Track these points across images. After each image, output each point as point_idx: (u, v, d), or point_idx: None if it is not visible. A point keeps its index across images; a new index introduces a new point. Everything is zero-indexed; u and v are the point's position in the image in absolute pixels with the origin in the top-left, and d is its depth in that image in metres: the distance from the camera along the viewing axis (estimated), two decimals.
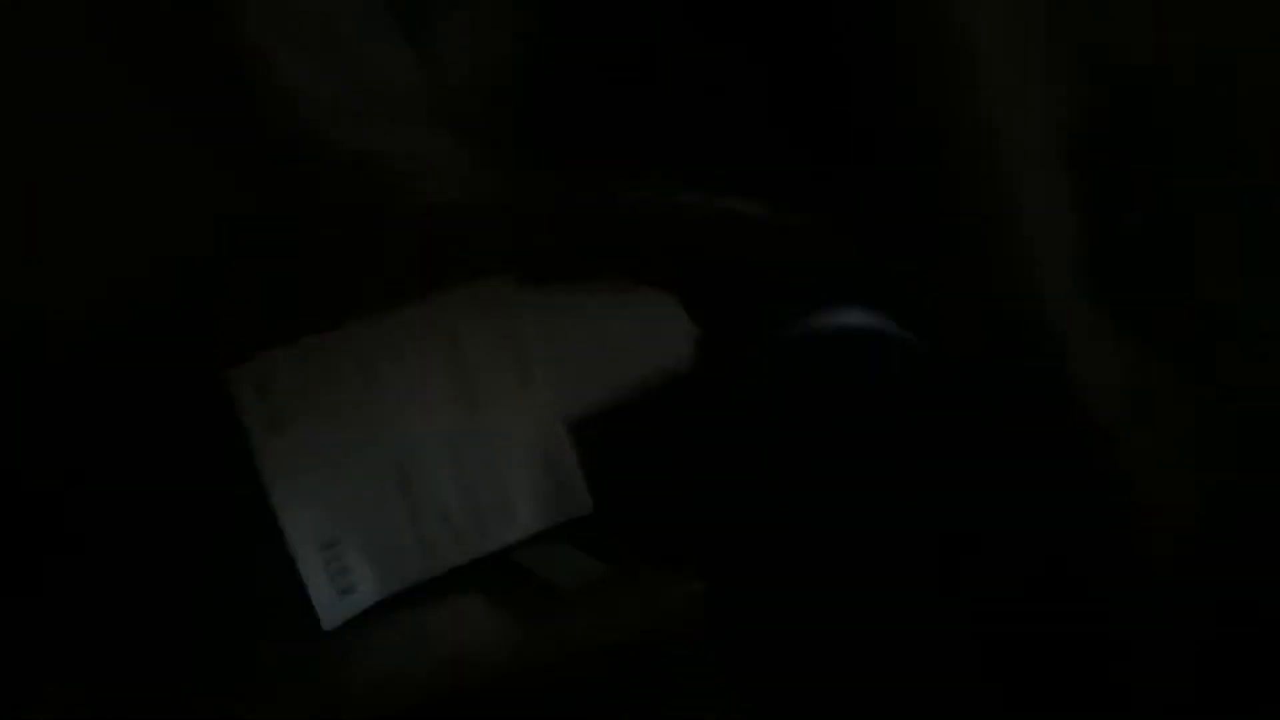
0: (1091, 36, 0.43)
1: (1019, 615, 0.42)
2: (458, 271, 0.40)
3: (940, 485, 0.41)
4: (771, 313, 0.40)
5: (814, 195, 0.44)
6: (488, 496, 0.38)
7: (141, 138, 0.36)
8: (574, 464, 0.39)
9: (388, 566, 0.37)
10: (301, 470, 0.36)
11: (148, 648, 0.34)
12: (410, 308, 0.38)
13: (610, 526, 0.39)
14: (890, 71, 0.41)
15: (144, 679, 0.33)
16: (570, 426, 0.39)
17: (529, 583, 0.37)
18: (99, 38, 0.34)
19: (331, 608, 0.36)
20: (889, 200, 0.44)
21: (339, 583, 0.36)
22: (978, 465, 0.41)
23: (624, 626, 0.36)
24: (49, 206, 0.34)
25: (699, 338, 0.40)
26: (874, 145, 0.44)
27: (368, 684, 0.35)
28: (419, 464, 0.37)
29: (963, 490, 0.41)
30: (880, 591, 0.41)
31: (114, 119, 0.35)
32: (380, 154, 0.41)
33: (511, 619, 0.36)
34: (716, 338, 0.40)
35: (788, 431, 0.40)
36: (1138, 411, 0.43)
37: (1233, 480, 0.43)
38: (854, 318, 0.40)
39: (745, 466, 0.39)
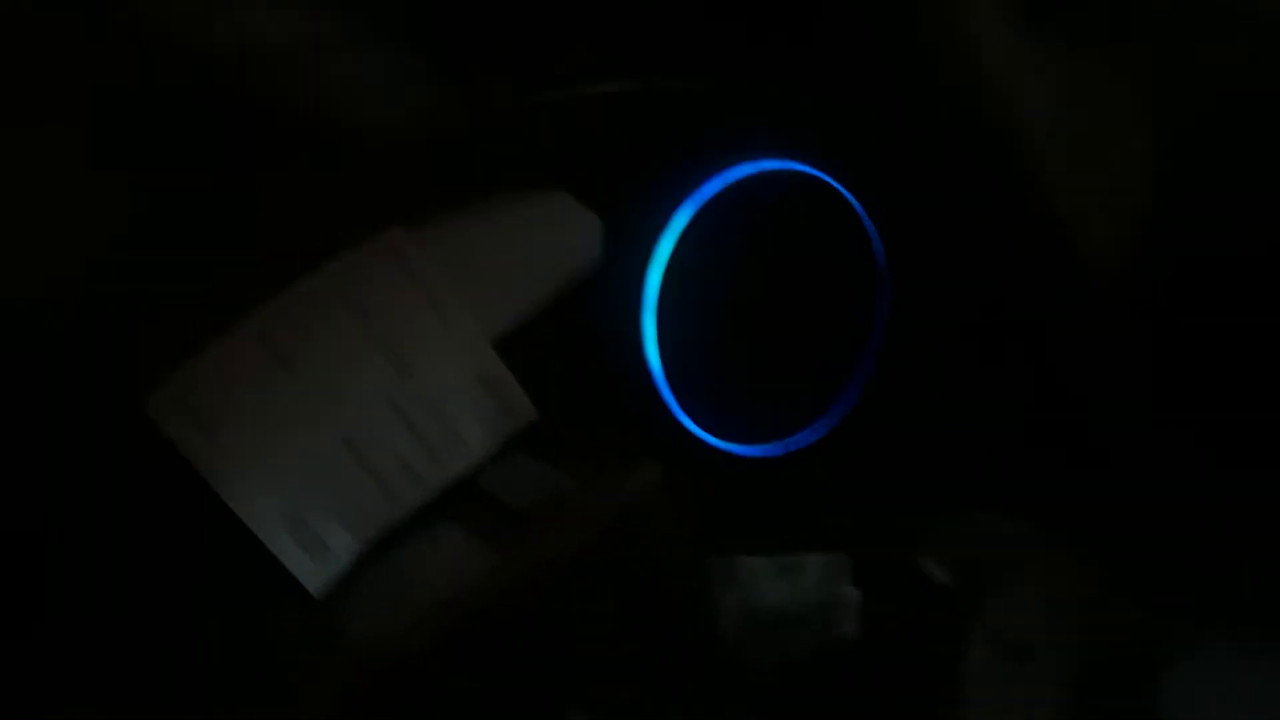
0: None
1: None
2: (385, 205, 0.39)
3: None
4: (686, 171, 0.39)
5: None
6: (436, 434, 0.39)
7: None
8: (510, 379, 0.39)
9: (357, 524, 0.38)
10: (247, 468, 0.37)
11: (157, 658, 0.36)
12: (304, 284, 0.38)
13: (563, 426, 0.40)
14: None
15: (156, 698, 0.35)
16: (500, 343, 0.39)
17: (490, 509, 0.38)
18: None
19: (313, 576, 0.38)
20: None
21: (313, 551, 0.38)
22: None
23: (585, 532, 0.37)
24: None
25: (611, 223, 0.40)
26: None
27: (356, 648, 0.36)
28: (363, 428, 0.38)
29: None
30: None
31: None
32: (338, 79, 0.40)
33: (477, 552, 0.38)
34: (631, 218, 0.39)
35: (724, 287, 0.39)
36: (1075, 126, 0.42)
37: (1167, 182, 0.42)
38: (768, 160, 0.39)
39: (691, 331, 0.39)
